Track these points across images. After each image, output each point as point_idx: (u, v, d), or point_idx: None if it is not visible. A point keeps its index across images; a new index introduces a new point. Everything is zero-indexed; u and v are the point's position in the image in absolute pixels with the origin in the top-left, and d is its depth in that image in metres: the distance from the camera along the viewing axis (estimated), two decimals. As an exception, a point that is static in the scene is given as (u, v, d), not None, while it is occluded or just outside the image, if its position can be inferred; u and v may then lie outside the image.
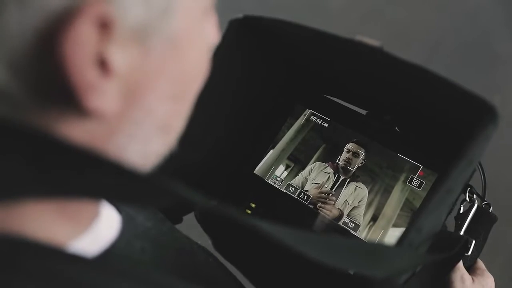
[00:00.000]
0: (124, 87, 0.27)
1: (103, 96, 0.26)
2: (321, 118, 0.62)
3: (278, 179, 0.62)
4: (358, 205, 0.57)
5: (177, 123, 0.32)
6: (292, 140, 0.62)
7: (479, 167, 0.59)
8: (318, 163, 0.60)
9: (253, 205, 0.61)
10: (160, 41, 0.27)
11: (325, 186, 0.59)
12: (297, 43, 0.50)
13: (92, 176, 0.27)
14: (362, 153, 0.58)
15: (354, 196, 0.58)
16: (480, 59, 1.81)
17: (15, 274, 0.26)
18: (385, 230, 0.55)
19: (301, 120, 0.63)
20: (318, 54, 0.49)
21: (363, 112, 0.62)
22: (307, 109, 0.63)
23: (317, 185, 0.59)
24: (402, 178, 0.56)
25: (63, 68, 0.24)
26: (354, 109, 0.62)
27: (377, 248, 0.38)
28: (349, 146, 0.59)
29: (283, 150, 0.62)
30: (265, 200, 0.61)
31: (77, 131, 0.27)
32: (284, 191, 0.61)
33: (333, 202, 0.58)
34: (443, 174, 0.42)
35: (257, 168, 0.63)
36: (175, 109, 0.31)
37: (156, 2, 0.26)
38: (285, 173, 0.62)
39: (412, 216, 0.53)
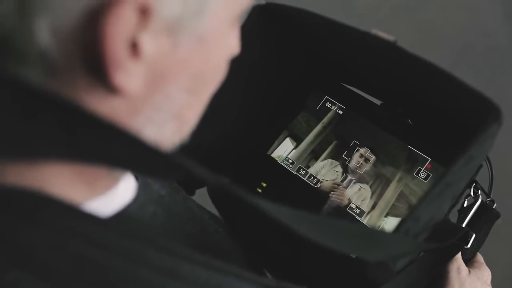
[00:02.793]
0: (149, 72, 0.30)
1: (128, 75, 0.28)
2: (336, 105, 0.64)
3: (290, 161, 0.64)
4: (360, 204, 0.59)
5: (190, 116, 0.35)
6: (312, 142, 0.64)
7: (487, 164, 0.60)
8: (330, 160, 0.62)
9: (264, 185, 0.64)
10: (188, 37, 0.30)
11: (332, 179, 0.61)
12: (316, 33, 0.51)
13: (112, 146, 0.29)
14: (372, 158, 0.60)
15: (358, 196, 0.60)
16: (510, 64, 1.78)
17: (33, 224, 0.29)
18: (381, 218, 0.57)
19: (320, 114, 0.64)
20: (336, 45, 0.51)
21: (378, 102, 0.63)
22: (324, 95, 0.65)
23: (325, 181, 0.62)
24: (399, 173, 0.58)
25: (100, 43, 0.27)
26: (370, 99, 0.63)
27: (374, 233, 0.40)
28: (362, 151, 0.61)
29: (304, 150, 0.64)
30: (276, 180, 0.64)
31: (101, 105, 0.30)
32: (295, 173, 0.63)
33: (344, 190, 0.60)
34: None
35: (271, 150, 0.65)
36: (190, 102, 0.34)
37: (192, 2, 0.29)
38: (295, 153, 0.64)
39: (410, 207, 0.55)
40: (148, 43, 0.28)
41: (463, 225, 0.55)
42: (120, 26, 0.27)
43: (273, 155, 0.65)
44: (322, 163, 0.63)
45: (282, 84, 0.62)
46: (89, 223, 0.31)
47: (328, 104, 0.65)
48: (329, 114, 0.64)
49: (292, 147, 0.65)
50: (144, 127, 0.32)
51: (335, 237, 0.37)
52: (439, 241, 0.48)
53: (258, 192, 0.63)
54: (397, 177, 0.58)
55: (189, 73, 0.32)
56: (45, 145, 0.29)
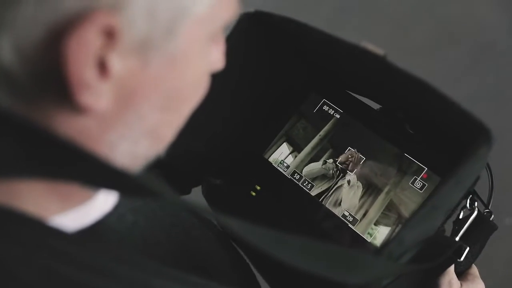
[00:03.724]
0: (119, 91, 0.29)
1: (96, 95, 0.28)
2: (333, 108, 0.63)
3: (285, 164, 0.63)
4: (352, 197, 0.58)
5: (166, 132, 0.34)
6: (309, 153, 0.63)
7: (488, 173, 0.58)
8: (322, 160, 0.61)
9: (258, 188, 0.63)
10: (159, 57, 0.29)
11: (325, 181, 0.60)
12: (306, 41, 0.50)
13: (75, 166, 0.29)
14: (362, 159, 0.59)
15: (348, 192, 0.59)
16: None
17: (2, 238, 0.30)
18: (369, 227, 0.56)
19: (318, 119, 0.63)
20: (326, 54, 0.50)
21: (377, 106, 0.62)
22: (321, 98, 0.63)
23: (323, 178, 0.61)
24: (389, 184, 0.57)
25: (64, 63, 0.27)
26: (368, 103, 0.62)
27: (354, 255, 0.39)
28: (352, 151, 0.60)
29: (302, 161, 0.63)
30: (270, 184, 0.63)
31: (71, 123, 0.29)
32: (290, 177, 0.62)
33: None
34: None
35: (267, 153, 0.65)
36: (166, 120, 0.33)
37: (160, 22, 0.28)
38: (291, 158, 0.63)
39: (400, 218, 0.54)
40: (117, 63, 0.28)
41: (457, 238, 0.54)
42: (84, 48, 0.26)
43: (269, 159, 0.64)
44: (316, 163, 0.62)
45: (276, 88, 0.61)
46: (56, 237, 0.32)
47: (325, 108, 0.63)
48: (326, 127, 0.62)
49: (289, 151, 0.64)
50: (117, 145, 0.32)
51: (313, 260, 0.36)
52: (428, 259, 0.47)
53: (252, 195, 0.63)
54: (386, 188, 0.57)
55: (163, 92, 0.31)
56: (9, 165, 0.29)
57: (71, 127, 0.29)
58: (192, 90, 0.34)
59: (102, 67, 0.28)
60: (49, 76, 0.27)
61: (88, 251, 0.32)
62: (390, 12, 1.87)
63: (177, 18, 0.29)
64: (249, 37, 0.53)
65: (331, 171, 0.60)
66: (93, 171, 0.30)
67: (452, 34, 1.79)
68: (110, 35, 0.27)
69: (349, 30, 1.85)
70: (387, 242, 0.39)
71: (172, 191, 0.31)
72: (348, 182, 0.59)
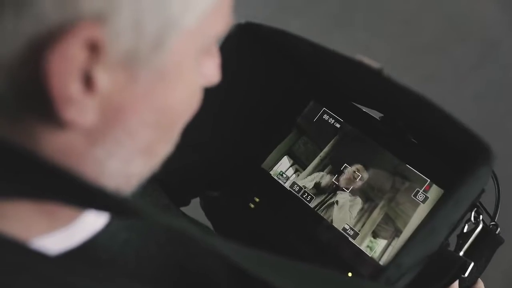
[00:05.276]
0: (105, 106, 0.28)
1: (81, 109, 0.27)
2: (333, 118, 0.61)
3: (284, 175, 0.62)
4: (343, 217, 0.57)
5: (161, 149, 0.33)
6: (311, 173, 0.61)
7: (495, 186, 0.56)
8: (321, 173, 0.60)
9: (257, 200, 0.62)
10: (147, 71, 0.28)
11: (321, 196, 0.59)
12: (298, 53, 0.49)
13: (54, 184, 0.28)
14: (366, 176, 0.57)
15: (339, 212, 0.57)
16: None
17: None
18: (365, 240, 0.54)
19: (318, 133, 0.61)
20: (319, 65, 0.48)
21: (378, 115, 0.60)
22: (321, 107, 0.62)
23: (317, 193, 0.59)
24: (384, 199, 0.55)
25: (46, 78, 0.26)
26: (370, 113, 0.60)
27: (353, 283, 0.37)
28: (355, 167, 0.58)
29: (303, 180, 0.61)
30: (269, 195, 0.62)
31: (54, 141, 0.28)
32: (289, 189, 0.61)
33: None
34: (449, 191, 0.41)
35: (266, 166, 0.63)
36: (159, 136, 0.32)
37: (147, 34, 0.27)
38: (291, 171, 0.62)
39: (396, 231, 0.53)
40: (103, 77, 0.27)
41: (462, 253, 0.52)
42: (67, 62, 0.25)
43: (270, 172, 0.63)
44: (313, 175, 0.60)
45: (272, 98, 0.60)
46: (38, 261, 0.31)
47: (325, 117, 0.62)
48: (326, 149, 0.60)
49: (289, 164, 0.62)
50: (106, 161, 0.31)
51: (304, 285, 0.35)
52: (431, 276, 0.45)
53: (251, 207, 0.61)
54: (385, 200, 0.55)
55: (153, 107, 0.30)
56: None
57: (55, 143, 0.29)
58: (185, 105, 0.32)
59: (88, 81, 0.27)
60: (31, 91, 0.26)
61: (72, 275, 0.31)
62: (396, 10, 1.85)
63: (165, 31, 0.28)
64: (240, 49, 0.52)
65: (325, 185, 0.59)
66: (71, 190, 0.29)
67: (459, 32, 1.76)
68: (94, 48, 0.26)
69: (356, 27, 1.83)
70: (385, 268, 0.38)
71: (154, 210, 0.30)
72: (336, 202, 0.57)
